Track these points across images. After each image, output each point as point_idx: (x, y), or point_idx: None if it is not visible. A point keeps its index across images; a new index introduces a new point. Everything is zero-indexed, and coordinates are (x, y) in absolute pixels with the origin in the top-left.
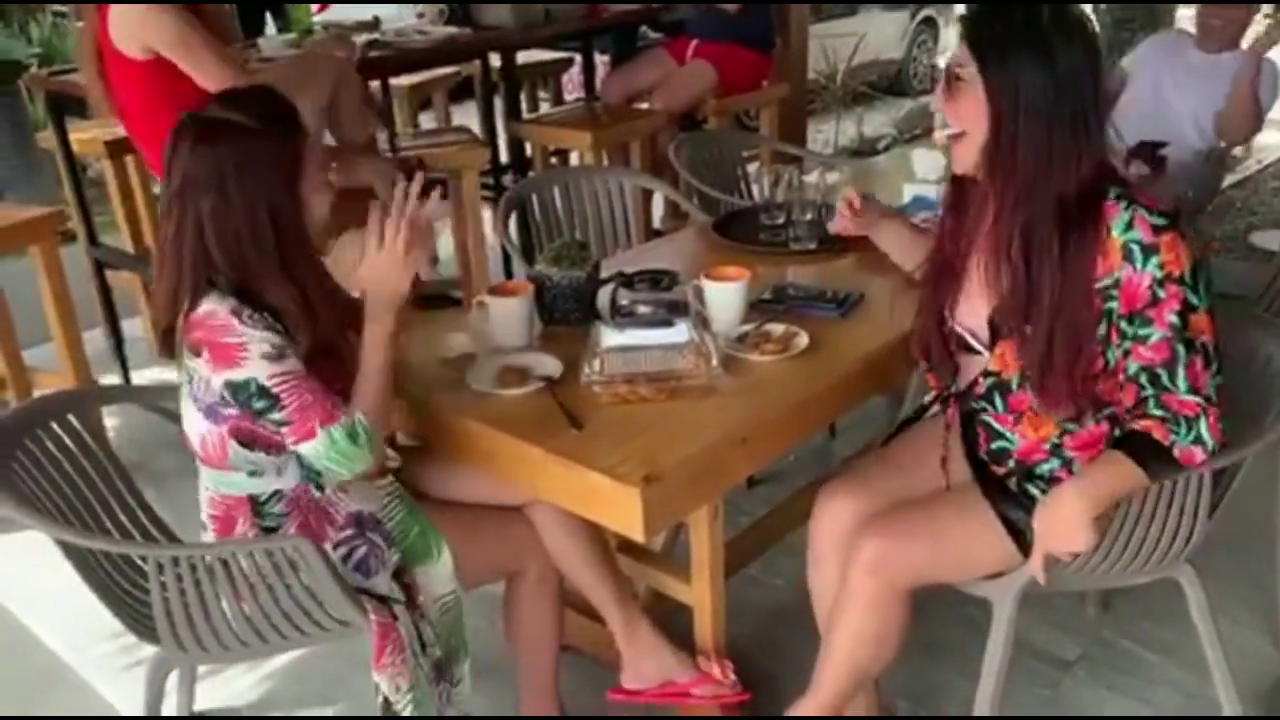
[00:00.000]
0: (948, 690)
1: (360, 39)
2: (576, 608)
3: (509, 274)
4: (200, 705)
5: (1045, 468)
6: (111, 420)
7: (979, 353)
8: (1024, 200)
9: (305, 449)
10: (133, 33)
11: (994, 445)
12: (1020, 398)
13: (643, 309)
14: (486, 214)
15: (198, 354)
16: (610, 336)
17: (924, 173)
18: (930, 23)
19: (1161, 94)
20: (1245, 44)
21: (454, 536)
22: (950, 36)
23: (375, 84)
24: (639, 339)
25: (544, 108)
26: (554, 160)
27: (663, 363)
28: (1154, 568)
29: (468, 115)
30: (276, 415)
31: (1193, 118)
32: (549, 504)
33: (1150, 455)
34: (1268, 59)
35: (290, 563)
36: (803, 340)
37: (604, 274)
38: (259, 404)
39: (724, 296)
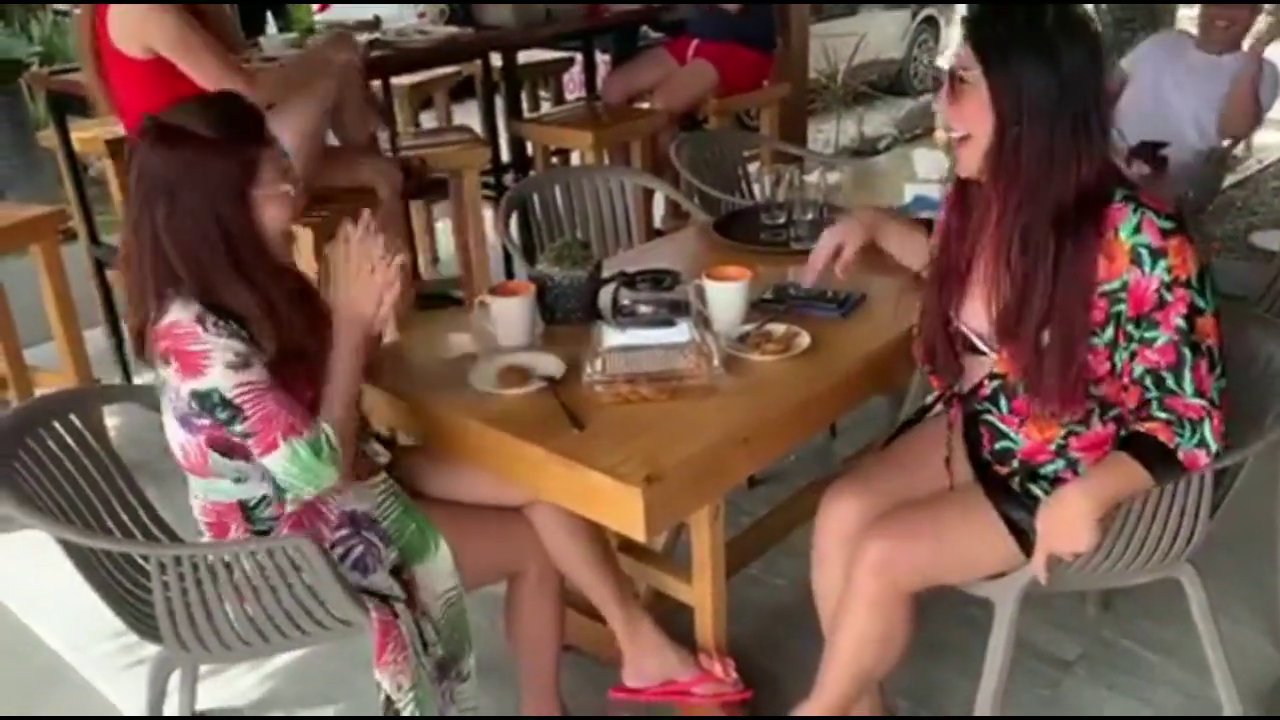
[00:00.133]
0: (949, 690)
1: (361, 38)
2: (578, 607)
3: (510, 274)
4: (202, 705)
5: (1050, 468)
6: (113, 419)
7: (984, 354)
8: (1027, 202)
9: (269, 462)
10: (133, 32)
11: (998, 445)
12: (1024, 401)
13: (644, 309)
14: (487, 213)
15: (167, 363)
16: (612, 336)
17: (925, 172)
18: (931, 22)
19: (1161, 94)
20: (1246, 44)
21: (454, 537)
22: (951, 36)
23: (376, 83)
24: (640, 339)
25: (545, 107)
26: (555, 160)
27: (664, 362)
28: (1155, 567)
29: (469, 115)
30: (240, 426)
31: (1193, 118)
32: (549, 504)
33: (1155, 458)
34: (1268, 60)
35: (292, 562)
36: (804, 340)
37: (605, 273)
38: (222, 414)
39: (725, 296)
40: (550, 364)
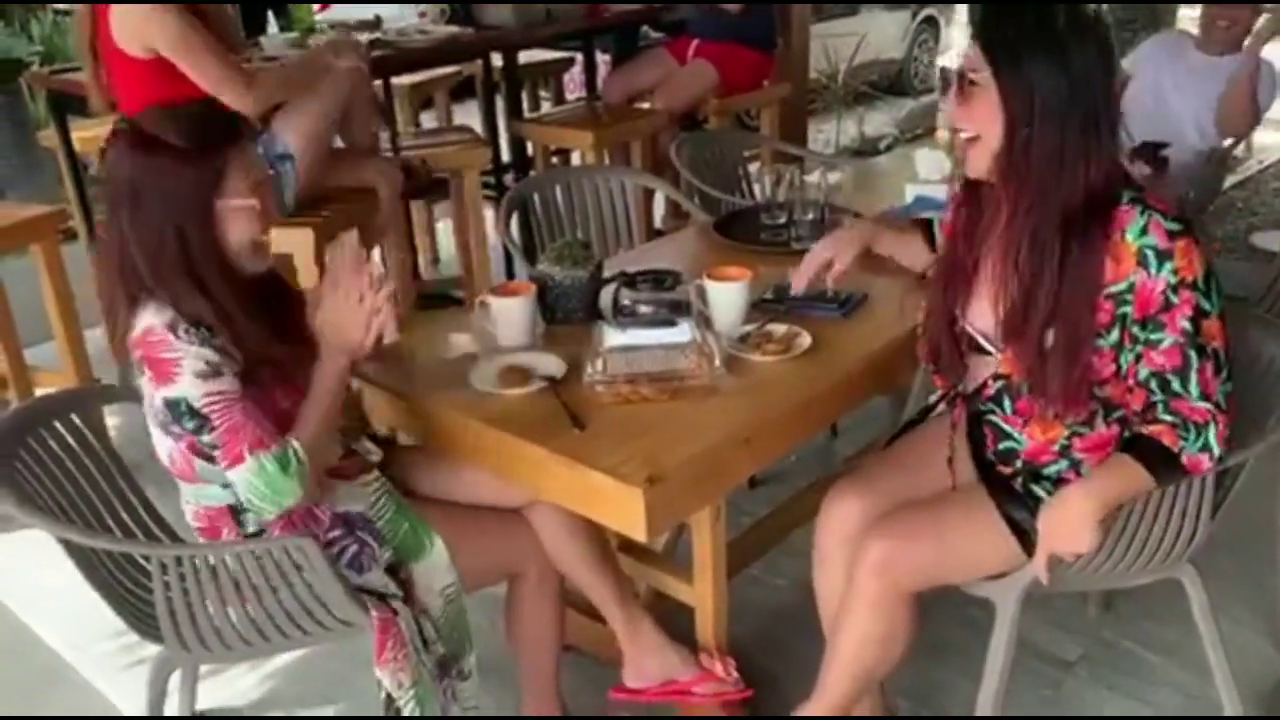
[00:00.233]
0: (950, 690)
1: (362, 38)
2: (578, 607)
3: (510, 274)
4: (202, 705)
5: (1053, 469)
6: (113, 419)
7: (989, 353)
8: (1038, 203)
9: (234, 476)
10: (134, 31)
11: (1001, 446)
12: (1028, 401)
13: (645, 309)
14: (488, 213)
15: (142, 371)
16: (613, 336)
17: (926, 173)
18: (931, 22)
19: (1162, 94)
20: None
21: (454, 538)
22: (952, 36)
23: (376, 83)
24: (641, 339)
25: (545, 107)
26: (555, 160)
27: (665, 363)
28: (1156, 568)
29: (469, 114)
30: (207, 436)
31: (1193, 118)
32: (549, 504)
33: (1158, 460)
34: (1266, 60)
35: (293, 562)
36: (805, 340)
37: (606, 274)
38: (190, 423)
39: (726, 296)
40: (551, 364)
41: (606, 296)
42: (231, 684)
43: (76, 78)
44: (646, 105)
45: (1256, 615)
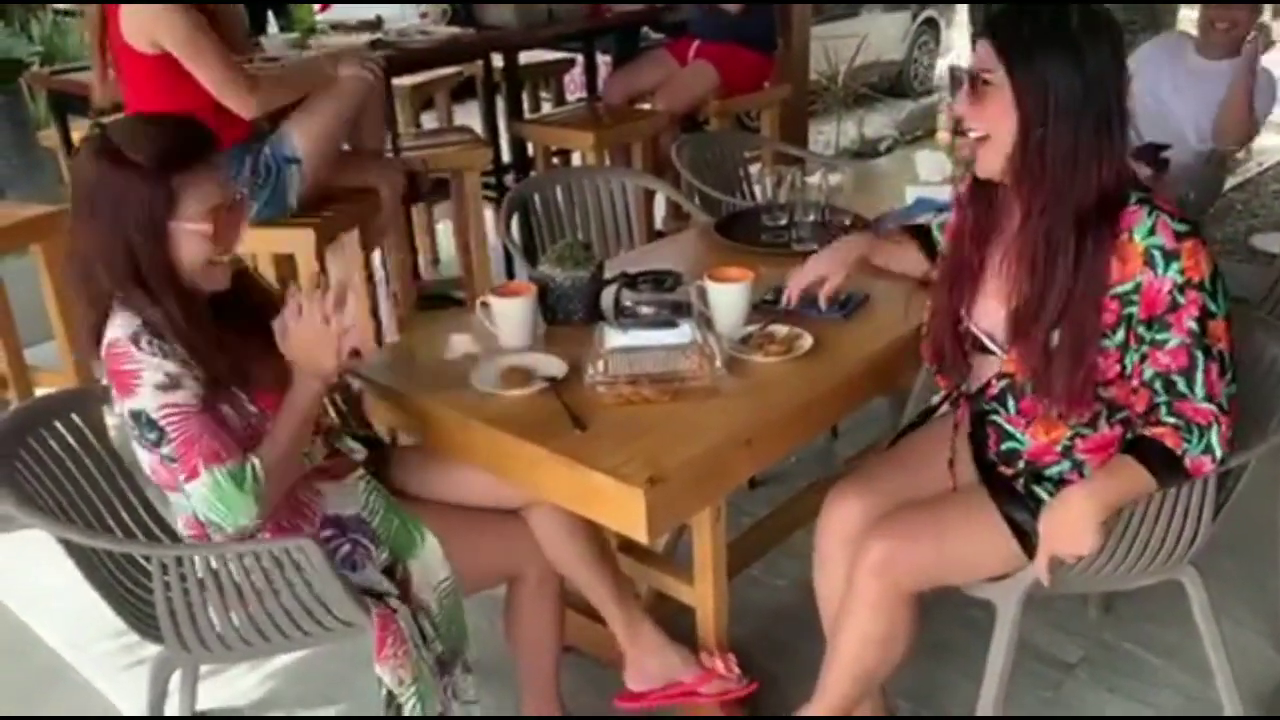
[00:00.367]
0: (950, 692)
1: (363, 38)
2: (577, 608)
3: (511, 274)
4: (202, 705)
5: (1055, 470)
6: (113, 419)
7: (993, 353)
8: (1051, 203)
9: (190, 490)
10: (142, 27)
11: (1004, 446)
12: (1032, 401)
13: (646, 310)
14: (488, 214)
15: (110, 384)
16: (614, 337)
17: (927, 174)
18: (931, 24)
19: (1161, 96)
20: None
21: (452, 541)
22: (952, 38)
23: None
24: (643, 340)
25: (546, 108)
26: (556, 160)
27: (666, 364)
28: (1158, 569)
29: (470, 115)
30: (165, 449)
31: (1193, 121)
32: (548, 505)
33: (1160, 462)
34: (1264, 68)
35: (294, 563)
36: (806, 341)
37: (607, 275)
38: (150, 435)
39: (727, 298)
40: (552, 365)
41: (608, 297)
42: (231, 684)
43: (77, 78)
44: (647, 106)
45: (1258, 617)
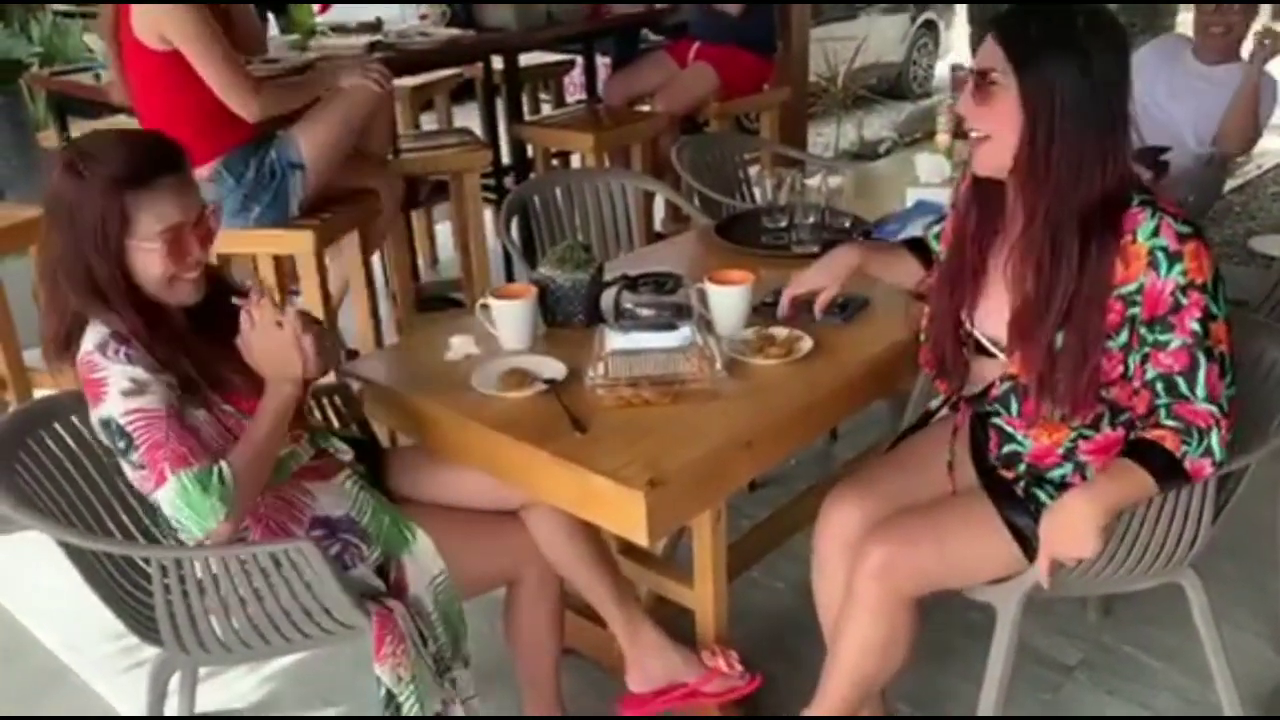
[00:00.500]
0: (951, 695)
1: (362, 40)
2: (577, 611)
3: (510, 276)
4: (200, 707)
5: (1057, 473)
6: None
7: (995, 356)
8: (1056, 205)
9: (160, 496)
10: (152, 23)
11: (1005, 449)
12: (1035, 402)
13: (646, 312)
14: (488, 216)
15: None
16: (614, 339)
17: (927, 176)
18: (931, 26)
19: (1159, 99)
20: (1245, 53)
21: (450, 543)
22: (951, 40)
23: None
24: (643, 342)
25: (546, 110)
26: (555, 162)
27: (666, 366)
28: (1158, 572)
29: (469, 117)
30: (134, 456)
31: (1191, 124)
32: (546, 506)
33: (1161, 465)
34: (1267, 73)
35: (293, 566)
36: (806, 344)
37: (606, 276)
38: (120, 443)
39: (727, 300)
40: (552, 367)
41: (608, 300)
42: (230, 686)
43: (76, 79)
44: (647, 108)
45: (1258, 620)
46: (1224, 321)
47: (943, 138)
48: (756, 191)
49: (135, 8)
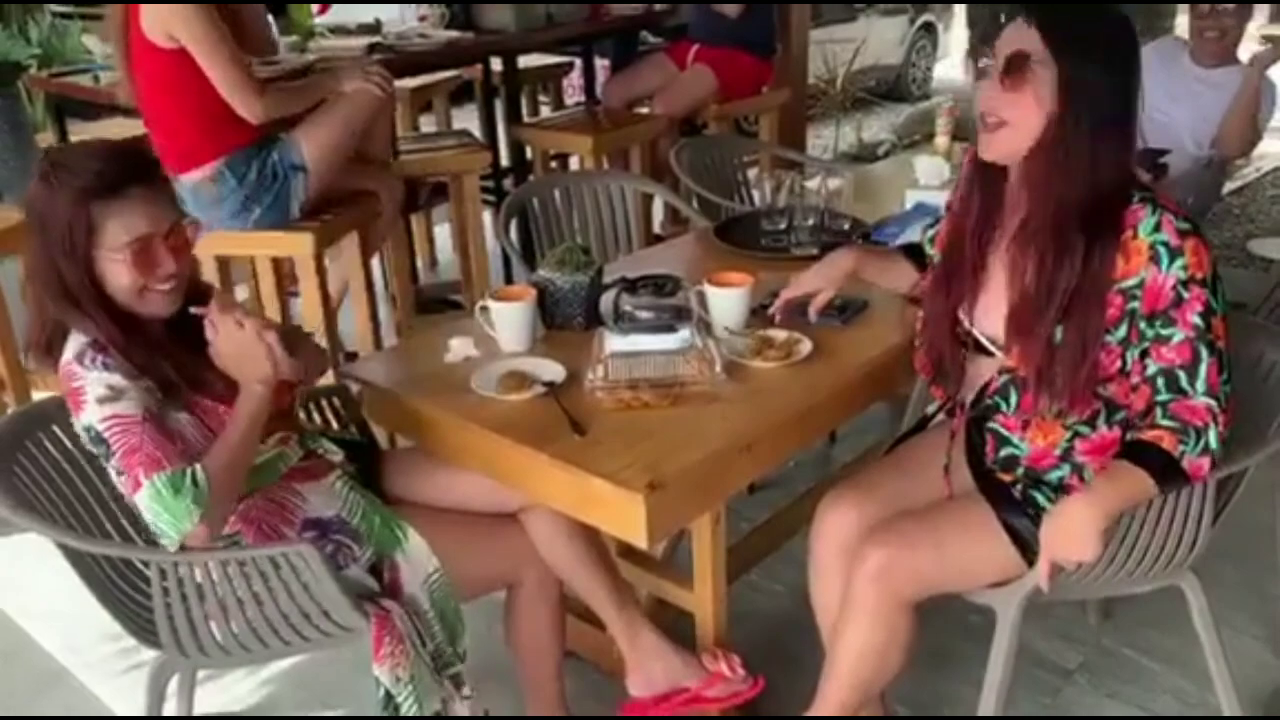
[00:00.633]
0: (950, 698)
1: (361, 42)
2: (577, 614)
3: (509, 278)
4: (199, 709)
5: (1055, 475)
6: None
7: (992, 355)
8: (1067, 195)
9: (139, 502)
10: (160, 19)
11: (1002, 453)
12: (1033, 397)
13: (646, 314)
14: (487, 217)
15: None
16: (613, 342)
17: (926, 179)
18: (929, 28)
19: (1158, 102)
20: (1243, 57)
21: (448, 547)
22: (950, 41)
23: None
24: (642, 344)
25: (544, 112)
26: (554, 164)
27: (666, 368)
28: (1158, 575)
29: (468, 119)
30: (113, 463)
31: (1190, 127)
32: (544, 508)
33: (1159, 466)
34: (1266, 77)
35: (293, 569)
36: (805, 347)
37: (606, 279)
38: (99, 450)
39: (727, 302)
40: (551, 369)
41: (607, 302)
42: (229, 689)
43: (75, 81)
44: (646, 110)
45: (1257, 623)
46: (1222, 317)
47: (941, 140)
48: (755, 194)
49: (144, 5)
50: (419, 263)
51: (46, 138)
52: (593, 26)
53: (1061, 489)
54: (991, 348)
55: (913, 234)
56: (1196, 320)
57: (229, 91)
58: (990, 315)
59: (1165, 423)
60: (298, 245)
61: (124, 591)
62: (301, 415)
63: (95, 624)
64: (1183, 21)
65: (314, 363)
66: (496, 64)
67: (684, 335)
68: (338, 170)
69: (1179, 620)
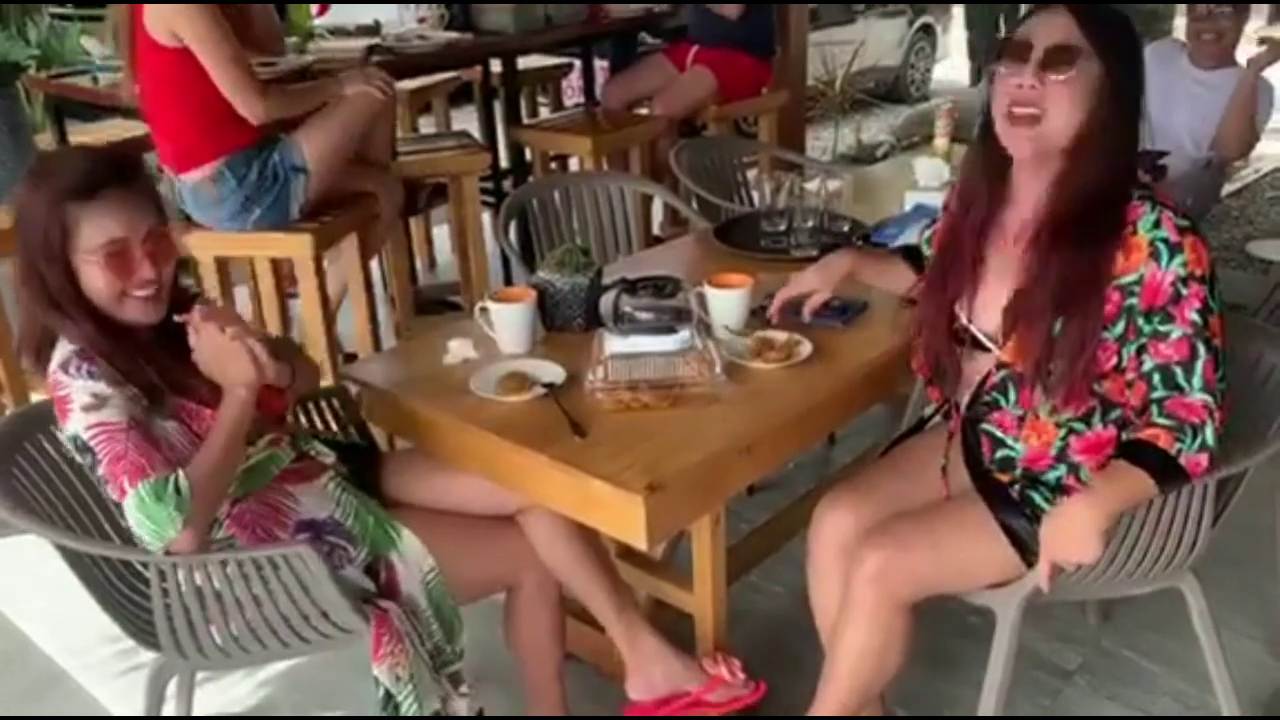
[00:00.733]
0: (950, 699)
1: (360, 43)
2: (576, 616)
3: (509, 280)
4: (198, 711)
5: (1052, 475)
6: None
7: (990, 351)
8: (1080, 190)
9: (125, 509)
10: (164, 17)
11: (998, 455)
12: (1029, 391)
13: (646, 315)
14: (486, 219)
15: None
16: (613, 343)
17: (925, 180)
18: (928, 30)
19: (1157, 104)
20: (1241, 59)
21: (447, 549)
22: (949, 43)
23: None
24: (642, 346)
25: (544, 113)
26: (554, 166)
27: (666, 370)
28: (1158, 576)
29: (468, 120)
30: (99, 471)
31: (1189, 129)
32: (543, 510)
33: (1157, 464)
34: (1264, 78)
35: (292, 571)
36: (805, 348)
37: (605, 280)
38: (84, 459)
39: (727, 303)
40: (551, 371)
41: (607, 303)
42: (228, 691)
43: (73, 81)
44: (645, 111)
45: (1256, 625)
46: (1220, 315)
47: (940, 141)
48: (755, 195)
49: (148, 4)
50: (418, 264)
51: (46, 139)
52: (592, 28)
53: (1059, 489)
54: (989, 343)
55: (912, 235)
56: (1194, 317)
57: (231, 91)
58: (989, 311)
59: (1161, 421)
60: (297, 246)
61: (123, 593)
62: (300, 417)
63: (94, 626)
64: (1181, 24)
65: (304, 373)
66: (496, 65)
67: (684, 336)
68: (338, 172)
69: (1179, 622)
